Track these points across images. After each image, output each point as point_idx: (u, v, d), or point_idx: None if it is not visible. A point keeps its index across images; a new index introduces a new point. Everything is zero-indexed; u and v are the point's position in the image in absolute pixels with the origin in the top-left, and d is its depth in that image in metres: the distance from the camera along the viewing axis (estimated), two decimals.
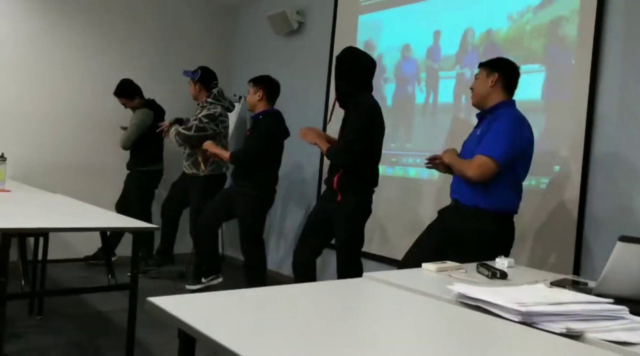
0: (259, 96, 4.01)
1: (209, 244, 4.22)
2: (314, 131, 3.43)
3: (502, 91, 2.69)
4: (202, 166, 4.41)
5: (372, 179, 3.31)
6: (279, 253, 5.23)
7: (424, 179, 3.95)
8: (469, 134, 2.85)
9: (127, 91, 4.83)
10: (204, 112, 4.36)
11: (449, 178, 2.89)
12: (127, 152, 4.93)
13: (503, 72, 2.69)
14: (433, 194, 3.84)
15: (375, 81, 3.37)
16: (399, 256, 3.17)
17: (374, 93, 3.34)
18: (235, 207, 4.04)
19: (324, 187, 3.49)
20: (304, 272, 3.38)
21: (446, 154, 2.78)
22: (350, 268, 3.25)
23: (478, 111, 2.80)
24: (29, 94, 4.92)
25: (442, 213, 2.85)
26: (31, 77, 4.93)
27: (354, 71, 3.24)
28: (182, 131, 4.32)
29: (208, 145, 4.18)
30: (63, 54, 5.08)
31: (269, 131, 3.95)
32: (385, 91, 4.31)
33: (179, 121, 4.53)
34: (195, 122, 4.31)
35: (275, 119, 4.01)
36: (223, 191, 4.32)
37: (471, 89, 2.80)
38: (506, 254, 2.30)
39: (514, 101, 2.72)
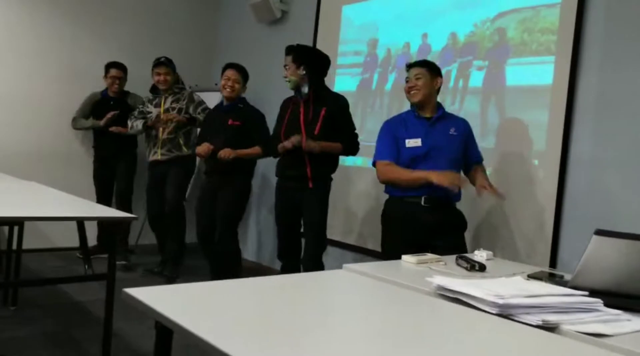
0: (242, 85, 4.02)
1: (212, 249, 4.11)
2: (317, 143, 3.35)
3: (436, 95, 2.96)
4: (184, 148, 4.38)
5: (336, 166, 3.54)
6: (256, 242, 5.21)
7: None
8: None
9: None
10: (196, 96, 4.52)
11: None
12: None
13: (441, 77, 2.96)
14: None
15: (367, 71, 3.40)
16: (378, 247, 3.19)
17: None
18: (219, 197, 3.98)
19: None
20: (292, 270, 3.46)
21: (486, 181, 2.89)
22: (322, 248, 3.46)
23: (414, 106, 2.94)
24: (5, 83, 4.82)
25: (407, 216, 2.83)
26: (6, 66, 4.83)
27: (325, 67, 3.52)
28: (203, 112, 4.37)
29: (227, 152, 3.82)
30: (37, 41, 4.97)
31: (262, 114, 4.04)
32: (376, 80, 4.31)
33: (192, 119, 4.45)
34: (205, 104, 4.43)
35: (250, 104, 4.08)
36: (204, 189, 4.14)
37: (412, 87, 2.87)
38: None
39: None
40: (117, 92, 4.86)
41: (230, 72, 3.98)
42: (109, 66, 4.84)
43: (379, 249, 3.46)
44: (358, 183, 4.25)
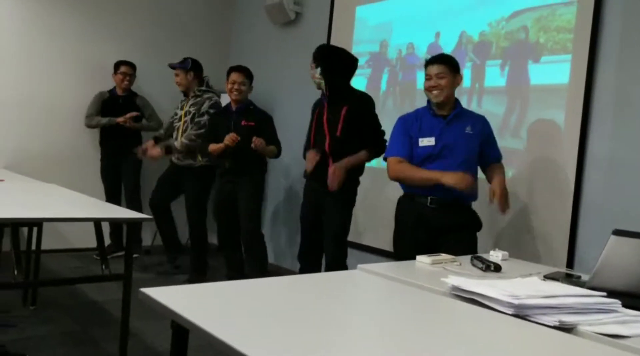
0: (248, 86, 4.08)
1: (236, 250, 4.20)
2: (338, 167, 3.28)
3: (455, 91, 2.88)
4: (199, 157, 4.38)
5: (361, 168, 3.43)
6: (279, 245, 5.22)
7: None
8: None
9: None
10: (207, 103, 4.40)
11: None
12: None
13: (460, 76, 2.87)
14: None
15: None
16: (389, 247, 3.19)
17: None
18: (239, 198, 4.03)
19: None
20: (311, 271, 3.42)
21: (498, 186, 2.80)
22: (342, 254, 3.38)
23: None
24: (23, 84, 4.87)
25: (417, 218, 2.82)
26: (23, 66, 4.88)
27: (345, 66, 3.41)
28: (194, 133, 4.31)
29: (260, 140, 3.87)
30: (53, 41, 5.01)
31: (271, 116, 4.10)
32: (383, 79, 4.30)
33: (156, 140, 4.51)
34: (204, 118, 4.34)
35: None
36: (220, 191, 4.18)
37: (434, 86, 2.77)
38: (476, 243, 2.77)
39: None
40: (127, 90, 4.91)
41: (235, 76, 4.02)
42: (119, 64, 4.90)
43: (389, 249, 3.47)
44: (371, 183, 4.24)
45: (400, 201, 2.94)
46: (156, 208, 4.52)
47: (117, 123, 4.77)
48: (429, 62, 2.84)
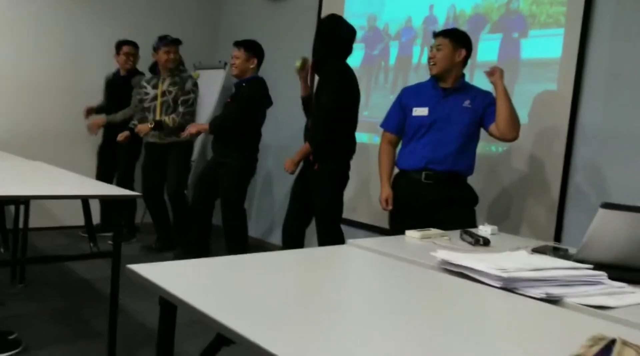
0: (252, 64, 3.96)
1: (203, 222, 4.17)
2: (290, 160, 3.35)
3: (462, 66, 2.81)
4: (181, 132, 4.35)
5: (349, 145, 3.36)
6: (265, 221, 5.23)
7: None
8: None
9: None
10: (190, 82, 4.38)
11: None
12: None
13: (468, 48, 2.80)
14: None
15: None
16: (385, 224, 3.19)
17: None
18: (219, 179, 4.00)
19: None
20: (294, 244, 3.41)
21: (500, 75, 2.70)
22: (329, 236, 3.31)
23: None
24: (7, 61, 4.80)
25: (410, 193, 2.83)
26: (9, 43, 4.80)
27: (335, 37, 3.29)
28: (185, 111, 4.30)
29: (191, 129, 4.04)
30: (42, 20, 4.93)
31: (251, 98, 3.90)
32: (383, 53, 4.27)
33: (159, 124, 4.36)
34: (192, 96, 4.33)
35: (259, 87, 3.96)
36: (206, 166, 4.21)
37: (431, 58, 2.79)
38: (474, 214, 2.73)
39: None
40: (130, 70, 4.83)
41: (234, 51, 3.97)
42: (121, 44, 4.80)
43: (382, 225, 3.48)
44: (364, 160, 4.23)
45: (396, 178, 2.94)
46: (150, 199, 4.51)
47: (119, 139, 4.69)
48: (434, 35, 2.85)
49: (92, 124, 4.78)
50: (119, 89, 4.77)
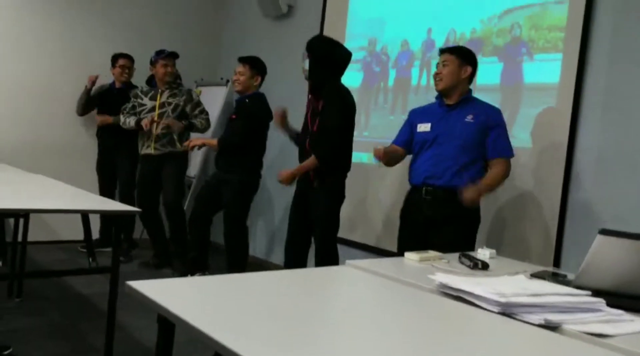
0: (256, 81, 3.98)
1: (201, 236, 4.13)
2: (290, 172, 3.34)
3: (467, 83, 2.83)
4: (178, 144, 4.37)
5: (347, 164, 3.40)
6: (265, 239, 5.22)
7: None
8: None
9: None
10: (194, 94, 4.50)
11: None
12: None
13: (474, 66, 2.84)
14: None
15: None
16: (385, 245, 3.19)
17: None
18: (221, 194, 3.99)
19: None
20: (297, 265, 3.40)
21: (473, 193, 2.68)
22: (328, 252, 3.33)
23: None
24: (8, 73, 4.83)
25: (412, 206, 2.87)
26: (9, 55, 4.84)
27: (331, 58, 3.32)
28: (207, 117, 4.44)
29: (196, 142, 4.06)
30: (45, 35, 4.98)
31: (257, 114, 3.91)
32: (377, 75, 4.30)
33: (190, 124, 4.43)
34: (203, 105, 4.47)
35: (261, 103, 3.99)
36: (208, 181, 4.19)
37: (436, 74, 2.83)
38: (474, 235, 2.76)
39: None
40: (125, 82, 4.86)
41: (238, 67, 3.99)
42: (117, 57, 4.86)
43: (388, 247, 3.47)
44: (363, 180, 4.24)
45: (407, 194, 2.97)
46: (146, 215, 4.46)
47: (100, 121, 4.78)
48: (440, 52, 2.89)
49: (102, 121, 4.80)
50: (115, 101, 4.78)
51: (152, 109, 4.40)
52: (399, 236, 2.97)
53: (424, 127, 2.85)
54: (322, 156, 3.23)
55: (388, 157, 2.87)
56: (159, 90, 4.44)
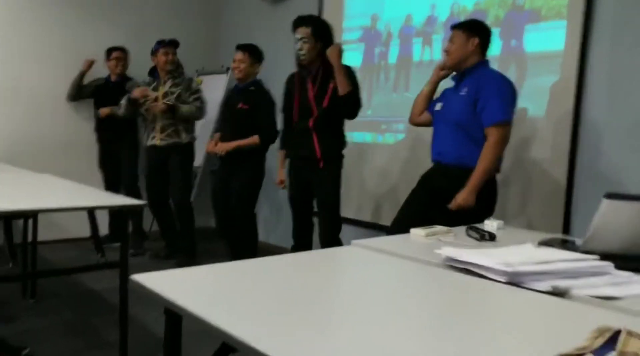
0: (256, 68, 3.97)
1: (232, 234, 4.08)
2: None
3: (479, 53, 2.75)
4: (183, 134, 4.36)
5: (345, 143, 3.45)
6: (268, 222, 5.22)
7: (416, 144, 3.93)
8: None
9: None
10: (194, 83, 4.46)
11: None
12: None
13: (482, 35, 2.75)
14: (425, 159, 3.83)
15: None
16: (389, 222, 3.17)
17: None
18: (231, 185, 3.96)
19: None
20: (303, 249, 3.43)
21: (463, 199, 2.61)
22: (337, 229, 3.40)
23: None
24: (9, 73, 4.82)
25: (426, 176, 2.88)
26: (11, 54, 4.82)
27: (330, 34, 3.36)
28: (201, 105, 4.37)
29: (225, 146, 3.90)
30: (46, 31, 4.95)
31: (272, 100, 3.90)
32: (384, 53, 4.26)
33: (172, 107, 4.34)
34: (201, 93, 4.41)
35: (266, 89, 3.98)
36: (218, 178, 4.09)
37: (446, 51, 2.81)
38: (492, 212, 2.59)
39: (488, 61, 2.79)
40: (120, 75, 4.85)
41: (237, 54, 3.95)
42: (110, 50, 4.85)
43: (388, 224, 3.46)
44: (369, 159, 4.23)
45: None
46: (156, 206, 4.51)
47: (100, 114, 4.78)
48: (451, 28, 2.85)
49: (105, 113, 4.77)
50: (112, 94, 4.77)
51: (156, 99, 4.38)
52: (405, 202, 2.93)
53: (438, 106, 2.86)
54: (353, 105, 3.28)
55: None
56: (162, 80, 4.42)
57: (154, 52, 4.42)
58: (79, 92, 4.95)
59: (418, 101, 3.03)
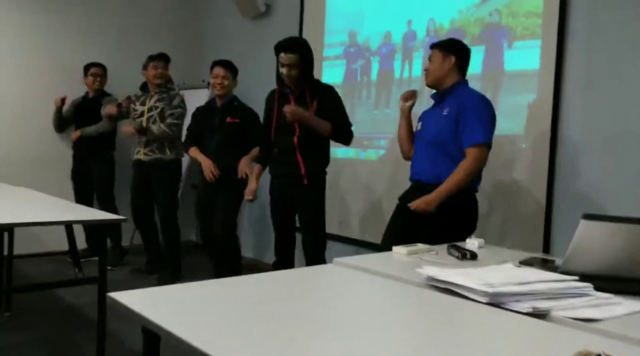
0: (235, 84, 4.01)
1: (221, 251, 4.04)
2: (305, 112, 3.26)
3: (457, 73, 2.77)
4: (168, 151, 4.32)
5: (329, 159, 3.46)
6: (250, 237, 5.19)
7: (398, 160, 3.94)
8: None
9: None
10: (178, 98, 4.38)
11: None
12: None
13: (459, 54, 2.77)
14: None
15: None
16: (372, 239, 3.18)
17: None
18: (216, 196, 3.94)
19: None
20: (284, 266, 3.40)
21: (427, 202, 2.62)
22: (322, 246, 3.38)
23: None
24: None
25: (403, 198, 2.85)
26: None
27: (312, 60, 3.36)
28: (171, 122, 4.26)
29: (244, 169, 3.87)
30: (23, 45, 4.93)
31: (257, 114, 3.91)
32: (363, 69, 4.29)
33: (143, 129, 4.30)
34: (179, 110, 4.33)
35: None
36: (203, 191, 4.05)
37: (425, 70, 2.84)
38: (474, 229, 2.64)
39: (467, 81, 2.82)
40: (98, 90, 4.83)
41: (218, 70, 3.95)
42: (88, 66, 4.84)
43: (375, 241, 3.47)
44: (352, 175, 4.24)
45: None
46: (139, 220, 4.47)
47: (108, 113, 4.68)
48: (430, 47, 2.87)
49: (75, 136, 4.78)
50: (90, 111, 4.77)
51: (142, 114, 4.36)
52: (388, 223, 2.91)
53: (419, 126, 2.89)
54: (339, 131, 3.32)
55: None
56: (149, 94, 4.41)
57: (145, 66, 4.41)
58: (63, 122, 4.96)
59: (402, 138, 3.00)
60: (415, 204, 2.63)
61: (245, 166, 3.85)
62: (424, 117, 2.90)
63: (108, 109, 4.41)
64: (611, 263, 1.51)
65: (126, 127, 4.31)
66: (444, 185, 2.61)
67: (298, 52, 3.23)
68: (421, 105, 3.06)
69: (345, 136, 3.37)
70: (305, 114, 3.20)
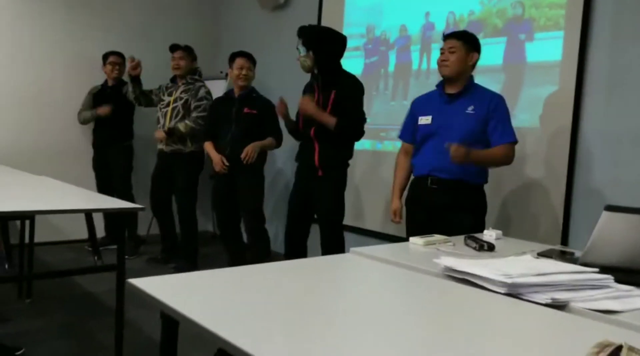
0: (253, 72, 4.01)
1: (235, 243, 4.11)
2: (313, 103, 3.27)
3: (472, 70, 2.79)
4: (189, 142, 4.34)
5: (351, 153, 3.40)
6: (279, 231, 5.21)
7: None
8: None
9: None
10: (203, 90, 4.39)
11: None
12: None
13: (479, 52, 2.77)
14: None
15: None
16: (390, 231, 3.17)
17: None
18: (239, 189, 3.95)
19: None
20: (298, 254, 3.39)
21: (469, 156, 2.58)
22: (337, 240, 3.33)
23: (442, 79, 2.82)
24: (12, 78, 4.82)
25: (416, 197, 2.84)
26: (12, 60, 4.83)
27: (337, 48, 3.31)
28: (199, 115, 4.28)
29: (250, 152, 3.83)
30: (44, 36, 4.96)
31: (274, 105, 3.89)
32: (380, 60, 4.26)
33: (170, 131, 4.33)
34: (205, 102, 4.33)
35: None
36: (221, 183, 4.02)
37: (443, 60, 2.74)
38: (483, 225, 2.62)
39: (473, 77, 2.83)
40: (116, 79, 4.87)
41: (242, 61, 3.95)
42: (107, 55, 4.87)
43: (392, 232, 3.45)
44: (368, 167, 4.23)
45: (410, 185, 2.94)
46: (157, 209, 4.51)
47: (99, 115, 4.77)
48: (445, 37, 2.79)
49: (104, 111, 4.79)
50: (109, 99, 4.80)
51: (168, 104, 4.40)
52: (407, 225, 2.92)
53: (425, 119, 2.80)
54: (343, 126, 3.21)
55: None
56: (177, 86, 4.44)
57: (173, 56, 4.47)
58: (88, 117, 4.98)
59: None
60: (455, 150, 2.52)
61: (253, 150, 3.83)
62: (432, 109, 2.80)
63: (158, 134, 4.38)
64: (632, 255, 1.49)
65: (157, 133, 4.37)
66: (482, 152, 2.63)
67: (301, 37, 3.26)
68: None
69: (349, 133, 3.27)
70: (310, 107, 3.20)
